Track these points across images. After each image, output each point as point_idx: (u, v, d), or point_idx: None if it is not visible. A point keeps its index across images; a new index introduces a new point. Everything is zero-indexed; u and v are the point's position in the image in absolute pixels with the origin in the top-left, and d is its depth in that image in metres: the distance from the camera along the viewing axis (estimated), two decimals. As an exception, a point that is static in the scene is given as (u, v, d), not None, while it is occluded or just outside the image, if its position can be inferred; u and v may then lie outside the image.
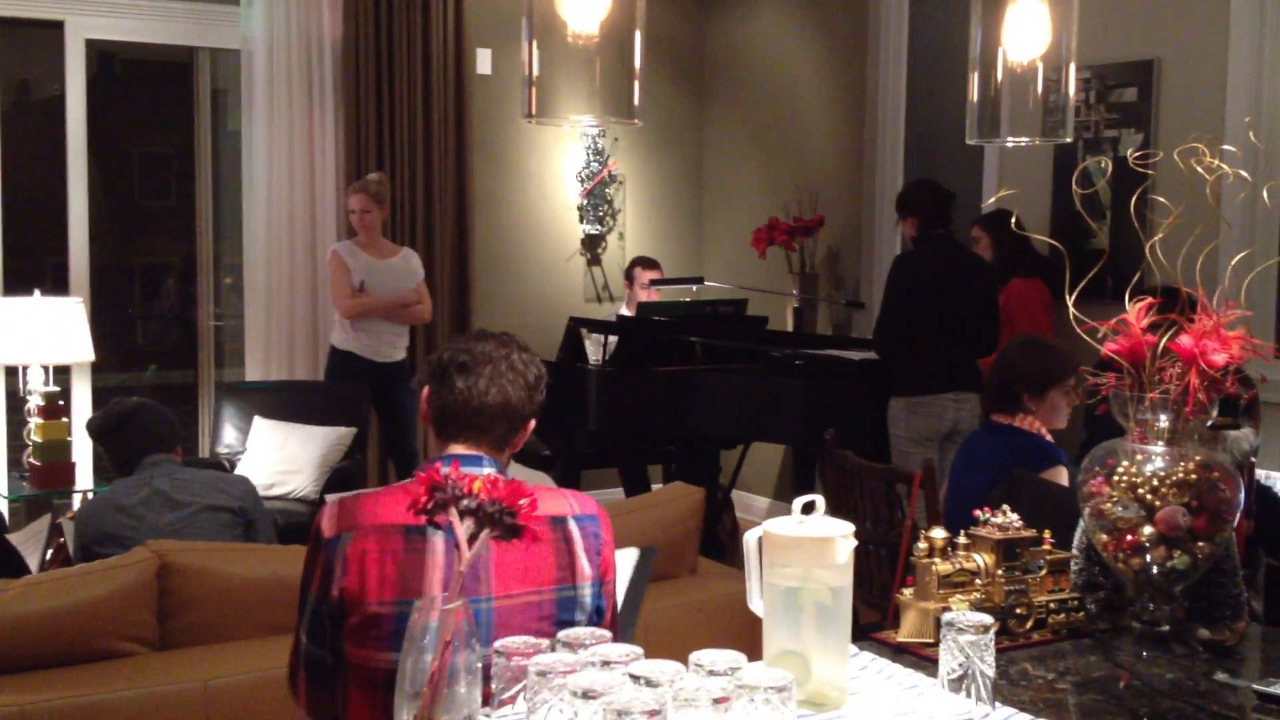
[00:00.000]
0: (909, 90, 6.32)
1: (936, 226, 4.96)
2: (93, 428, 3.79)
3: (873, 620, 3.81)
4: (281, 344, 6.15)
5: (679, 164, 7.42)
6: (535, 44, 1.62)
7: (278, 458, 5.25)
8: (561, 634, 1.64)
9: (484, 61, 6.58)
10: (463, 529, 1.58)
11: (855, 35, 6.45)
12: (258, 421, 5.43)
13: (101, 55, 6.32)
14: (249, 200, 6.21)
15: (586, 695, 1.44)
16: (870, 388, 5.13)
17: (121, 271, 6.83)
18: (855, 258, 6.54)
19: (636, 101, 1.67)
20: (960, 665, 1.72)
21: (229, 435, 5.59)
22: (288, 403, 5.53)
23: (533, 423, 2.15)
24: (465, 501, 1.59)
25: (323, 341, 6.02)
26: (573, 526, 2.07)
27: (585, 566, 2.06)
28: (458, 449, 2.09)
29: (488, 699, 1.60)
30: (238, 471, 5.11)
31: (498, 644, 1.60)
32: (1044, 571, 2.13)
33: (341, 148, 6.22)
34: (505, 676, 1.60)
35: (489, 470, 2.05)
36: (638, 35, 1.64)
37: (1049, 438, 3.56)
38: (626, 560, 2.72)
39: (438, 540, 1.96)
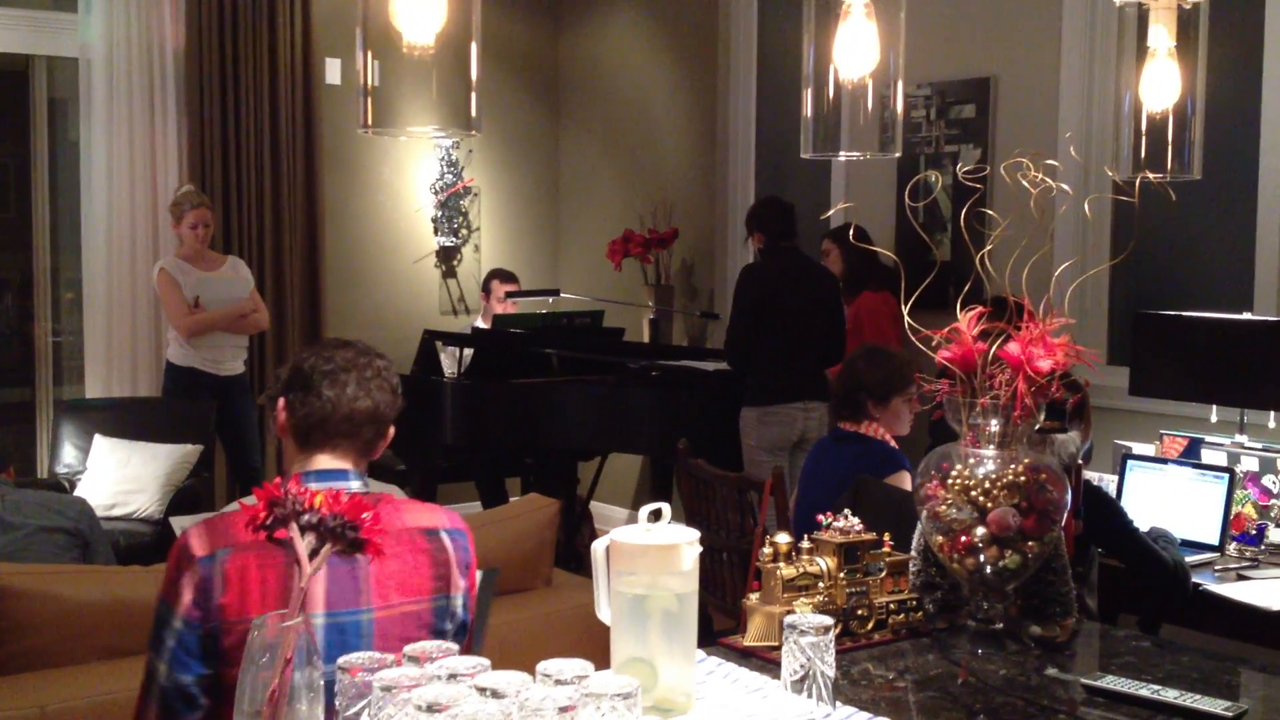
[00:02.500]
0: (759, 105, 6.43)
1: (782, 240, 5.08)
2: (-81, 449, 3.63)
3: (727, 627, 3.86)
4: (123, 360, 5.97)
5: (534, 176, 7.42)
6: (370, 54, 1.62)
7: (120, 476, 5.09)
8: (407, 648, 1.63)
9: (333, 71, 6.48)
10: (304, 545, 1.56)
11: (706, 51, 6.54)
12: (98, 440, 5.25)
13: (-68, 62, 6.07)
14: (88, 212, 6.02)
15: (431, 709, 1.43)
16: (724, 398, 5.20)
17: (-46, 286, 6.55)
18: (709, 269, 6.62)
19: (474, 113, 1.67)
20: (802, 666, 1.76)
21: (68, 454, 5.40)
22: (130, 420, 5.37)
23: (392, 429, 2.17)
24: (306, 517, 1.57)
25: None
26: (446, 539, 2.12)
27: (458, 578, 2.12)
28: (323, 460, 2.09)
29: (333, 716, 1.58)
30: (78, 492, 4.94)
31: (340, 660, 1.58)
32: (884, 573, 2.19)
33: (185, 158, 6.06)
34: (350, 693, 1.58)
35: (355, 484, 2.08)
36: (474, 46, 1.64)
37: (893, 444, 3.66)
38: None
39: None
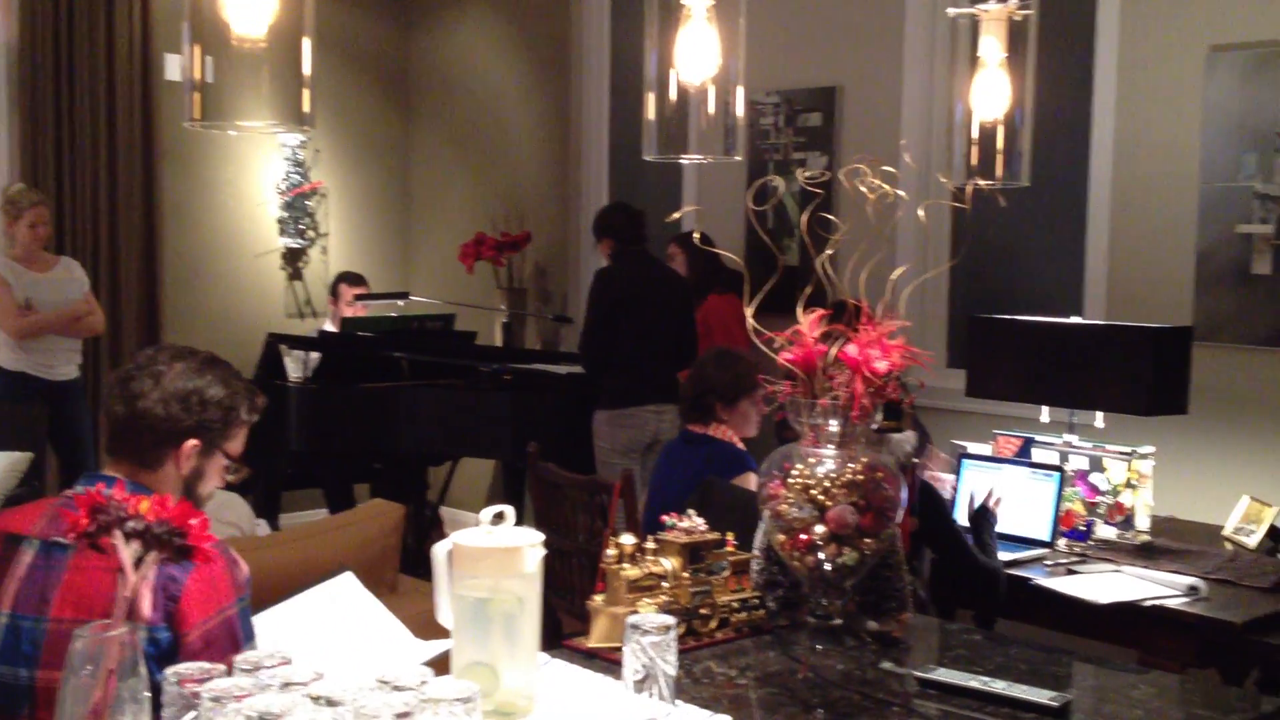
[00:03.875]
0: (612, 108, 6.46)
1: (631, 246, 5.12)
2: None
3: (576, 630, 3.85)
4: (-51, 364, 5.70)
5: (384, 178, 7.32)
6: (199, 46, 1.57)
7: (-56, 486, 4.86)
8: (238, 657, 1.59)
9: (173, 67, 6.27)
10: (128, 552, 1.50)
11: (558, 53, 6.54)
12: (-81, 449, 5.01)
13: None
14: (-88, 210, 5.74)
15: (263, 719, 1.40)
16: (576, 401, 5.20)
17: None
18: (562, 273, 6.62)
19: (308, 108, 1.64)
20: (644, 666, 1.77)
21: (-113, 465, 5.13)
22: (-45, 427, 5.13)
23: (190, 444, 2.04)
24: (131, 523, 1.52)
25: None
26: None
27: (146, 608, 1.79)
28: (106, 466, 2.04)
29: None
30: (-104, 503, 4.70)
31: (169, 670, 1.53)
32: (727, 572, 2.21)
33: (16, 156, 5.83)
34: (178, 704, 1.53)
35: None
36: (307, 40, 1.61)
37: (741, 446, 3.71)
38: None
39: (27, 553, 1.93)
